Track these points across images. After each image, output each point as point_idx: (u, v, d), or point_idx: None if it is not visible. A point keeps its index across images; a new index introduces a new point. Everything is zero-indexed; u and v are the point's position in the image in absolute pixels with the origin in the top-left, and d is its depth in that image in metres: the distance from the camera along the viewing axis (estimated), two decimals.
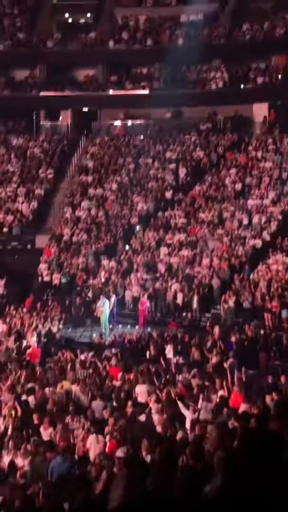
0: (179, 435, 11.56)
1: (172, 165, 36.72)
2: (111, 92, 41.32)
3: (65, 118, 42.00)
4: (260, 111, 38.76)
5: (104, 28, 42.90)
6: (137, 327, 27.40)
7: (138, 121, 40.89)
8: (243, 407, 14.96)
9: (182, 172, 36.22)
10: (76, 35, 42.80)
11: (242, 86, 39.49)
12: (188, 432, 13.13)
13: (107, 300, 27.54)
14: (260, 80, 39.17)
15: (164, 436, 12.23)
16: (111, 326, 27.41)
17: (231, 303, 26.33)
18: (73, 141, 40.61)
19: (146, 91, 40.56)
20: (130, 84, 41.36)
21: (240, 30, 40.22)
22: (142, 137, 39.61)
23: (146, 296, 28.07)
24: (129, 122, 41.09)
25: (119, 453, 11.52)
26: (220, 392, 16.48)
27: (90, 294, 29.58)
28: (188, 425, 14.30)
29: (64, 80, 42.47)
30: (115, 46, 41.79)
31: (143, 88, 40.91)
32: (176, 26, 41.48)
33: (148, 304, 27.98)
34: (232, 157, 36.27)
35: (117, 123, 41.18)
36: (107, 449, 12.73)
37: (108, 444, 13.07)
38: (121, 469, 8.92)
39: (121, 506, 3.99)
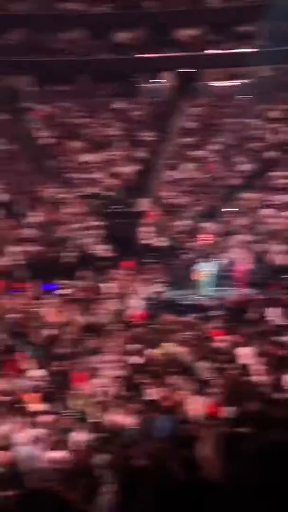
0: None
1: (276, 125, 35.94)
2: (213, 51, 40.69)
3: (166, 80, 41.73)
4: None
5: None
6: (239, 289, 27.21)
7: (240, 81, 40.16)
8: None
9: (287, 131, 35.40)
10: None
11: None
12: None
13: (208, 263, 27.48)
14: None
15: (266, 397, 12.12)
16: (213, 288, 27.35)
17: None
18: (174, 102, 40.35)
19: (249, 50, 39.71)
20: (232, 42, 40.57)
21: None
22: (245, 97, 38.89)
23: (248, 258, 27.81)
24: (232, 82, 40.41)
25: (225, 413, 11.52)
26: None
27: (192, 257, 29.56)
28: None
29: (165, 40, 42.11)
30: (217, 3, 41.00)
31: (246, 46, 40.07)
32: None
33: (250, 266, 27.72)
34: None
35: (219, 83, 40.58)
36: (207, 410, 12.80)
37: (209, 404, 13.13)
38: (224, 429, 8.90)
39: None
